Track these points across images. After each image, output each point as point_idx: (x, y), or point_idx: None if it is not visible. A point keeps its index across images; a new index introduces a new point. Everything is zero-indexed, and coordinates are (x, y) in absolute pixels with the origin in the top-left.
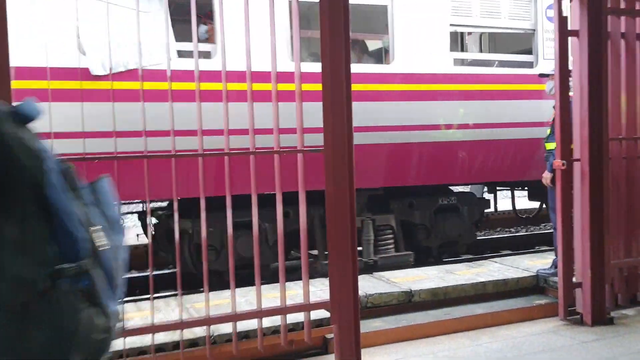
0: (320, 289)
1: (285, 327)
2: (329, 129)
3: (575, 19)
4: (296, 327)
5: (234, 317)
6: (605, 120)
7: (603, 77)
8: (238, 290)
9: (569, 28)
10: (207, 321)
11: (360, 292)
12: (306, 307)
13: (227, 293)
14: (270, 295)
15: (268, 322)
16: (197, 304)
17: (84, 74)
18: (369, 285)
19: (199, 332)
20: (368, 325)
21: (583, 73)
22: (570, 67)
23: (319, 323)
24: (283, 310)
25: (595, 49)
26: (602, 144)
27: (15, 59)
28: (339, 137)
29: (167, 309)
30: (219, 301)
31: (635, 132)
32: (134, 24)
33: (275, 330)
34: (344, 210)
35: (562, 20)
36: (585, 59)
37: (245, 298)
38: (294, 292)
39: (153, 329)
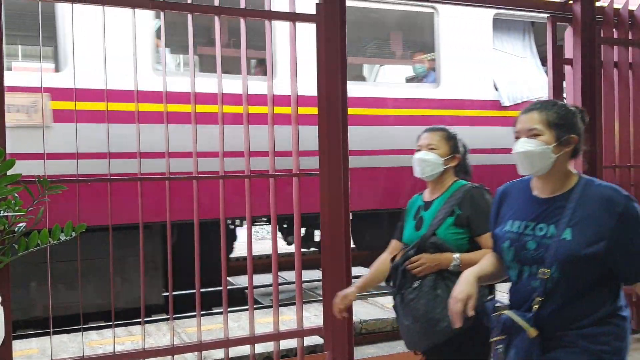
0: (314, 315)
1: (278, 353)
2: (325, 152)
3: (569, 48)
4: (289, 353)
5: (226, 343)
6: (599, 148)
7: (596, 105)
8: (230, 315)
9: (563, 57)
10: (199, 347)
11: (355, 318)
12: (299, 333)
13: (219, 318)
14: (263, 321)
15: (261, 347)
16: (189, 329)
17: (495, 105)
18: (363, 311)
19: (190, 357)
20: (362, 352)
21: (576, 101)
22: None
23: (313, 349)
24: (276, 336)
25: (588, 77)
26: (596, 172)
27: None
28: (335, 160)
29: (159, 333)
30: (211, 326)
31: (629, 160)
32: (520, 67)
33: (268, 357)
34: (339, 234)
35: (557, 49)
36: (579, 87)
37: (237, 323)
38: (288, 317)
39: (144, 354)
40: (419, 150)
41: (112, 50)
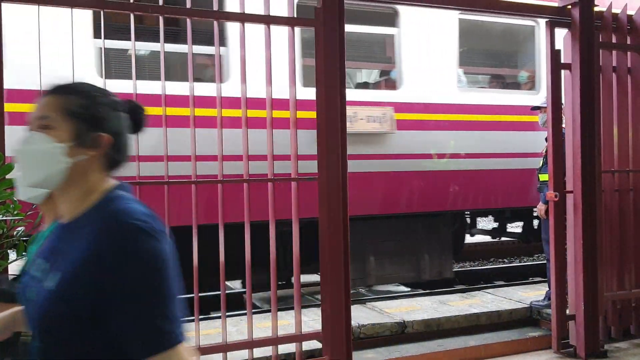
0: (312, 319)
1: (277, 358)
2: (323, 156)
3: (567, 53)
4: (288, 357)
5: (225, 347)
6: (597, 152)
7: (595, 109)
8: (229, 319)
9: (562, 61)
10: (197, 351)
11: (353, 323)
12: (298, 337)
13: (217, 322)
14: (262, 325)
15: (259, 352)
16: (187, 333)
17: None
18: (361, 315)
19: None
20: (360, 357)
21: (575, 106)
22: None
23: (311, 354)
24: (274, 341)
25: (587, 82)
26: (595, 176)
27: None
28: (334, 165)
29: None
30: (209, 330)
31: (628, 164)
32: None
33: None
34: (337, 239)
35: (555, 54)
36: (578, 91)
37: (236, 327)
38: (286, 322)
39: None
40: None
41: None
